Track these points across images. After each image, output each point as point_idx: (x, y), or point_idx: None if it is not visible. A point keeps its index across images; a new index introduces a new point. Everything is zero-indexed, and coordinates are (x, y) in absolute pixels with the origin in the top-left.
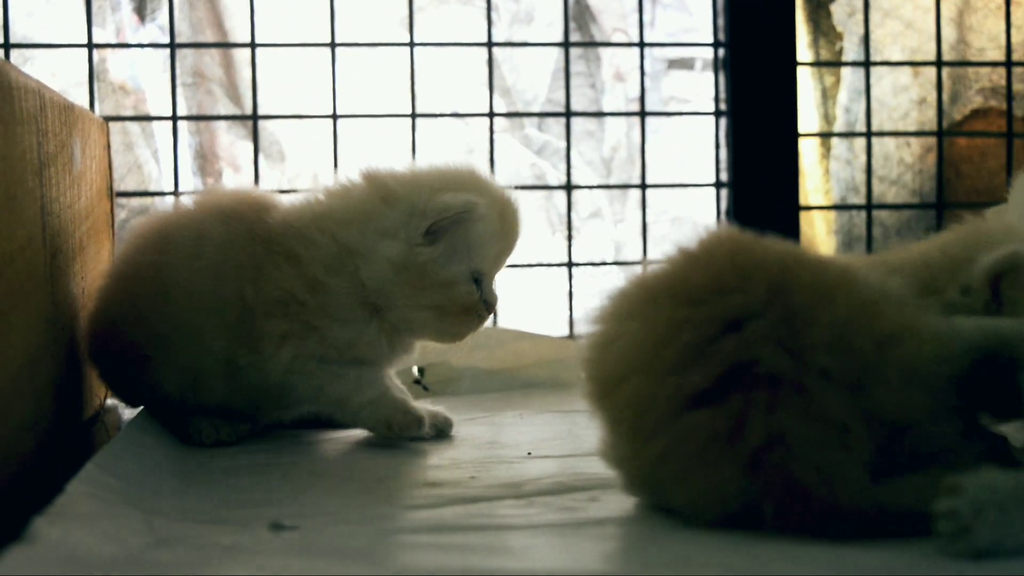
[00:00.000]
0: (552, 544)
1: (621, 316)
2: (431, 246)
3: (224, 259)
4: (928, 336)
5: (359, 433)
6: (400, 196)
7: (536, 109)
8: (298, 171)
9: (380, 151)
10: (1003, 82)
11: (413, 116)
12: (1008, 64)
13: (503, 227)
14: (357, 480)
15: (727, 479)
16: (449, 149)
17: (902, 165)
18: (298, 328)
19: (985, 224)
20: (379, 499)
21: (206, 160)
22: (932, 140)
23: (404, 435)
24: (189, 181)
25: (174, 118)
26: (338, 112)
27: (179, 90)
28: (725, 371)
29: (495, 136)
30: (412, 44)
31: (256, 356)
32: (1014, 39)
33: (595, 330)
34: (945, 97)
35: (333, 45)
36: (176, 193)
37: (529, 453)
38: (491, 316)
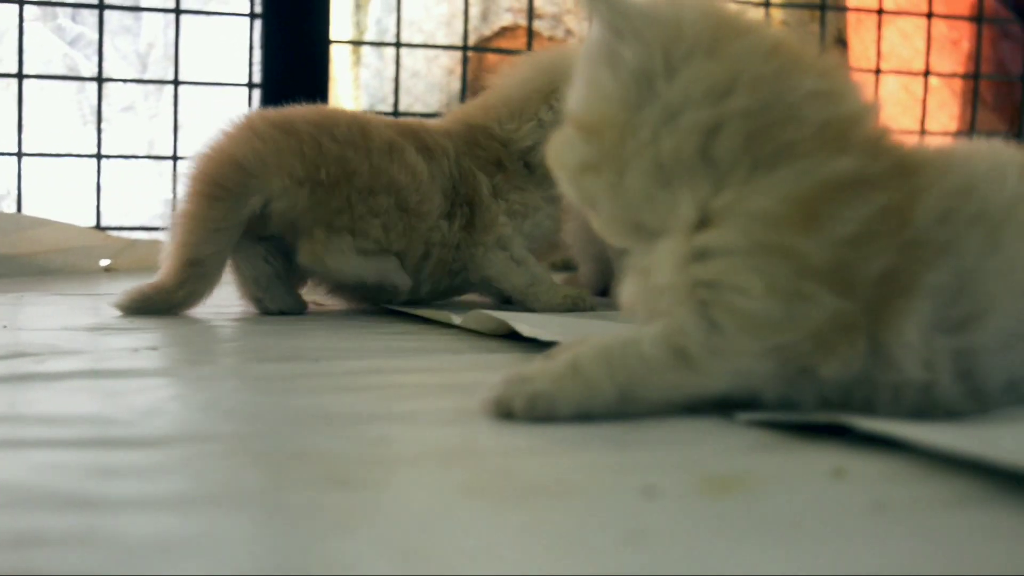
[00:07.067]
0: None
1: None
2: None
3: None
4: None
5: None
6: None
7: None
8: None
9: None
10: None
11: None
12: None
13: None
14: None
15: None
16: None
17: (430, 79)
18: None
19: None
20: None
21: None
22: (460, 57)
23: None
24: None
25: None
26: None
27: None
28: None
29: (25, 24)
30: None
31: None
32: None
33: None
34: (476, 15)
35: None
36: None
37: (4, 326)
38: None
